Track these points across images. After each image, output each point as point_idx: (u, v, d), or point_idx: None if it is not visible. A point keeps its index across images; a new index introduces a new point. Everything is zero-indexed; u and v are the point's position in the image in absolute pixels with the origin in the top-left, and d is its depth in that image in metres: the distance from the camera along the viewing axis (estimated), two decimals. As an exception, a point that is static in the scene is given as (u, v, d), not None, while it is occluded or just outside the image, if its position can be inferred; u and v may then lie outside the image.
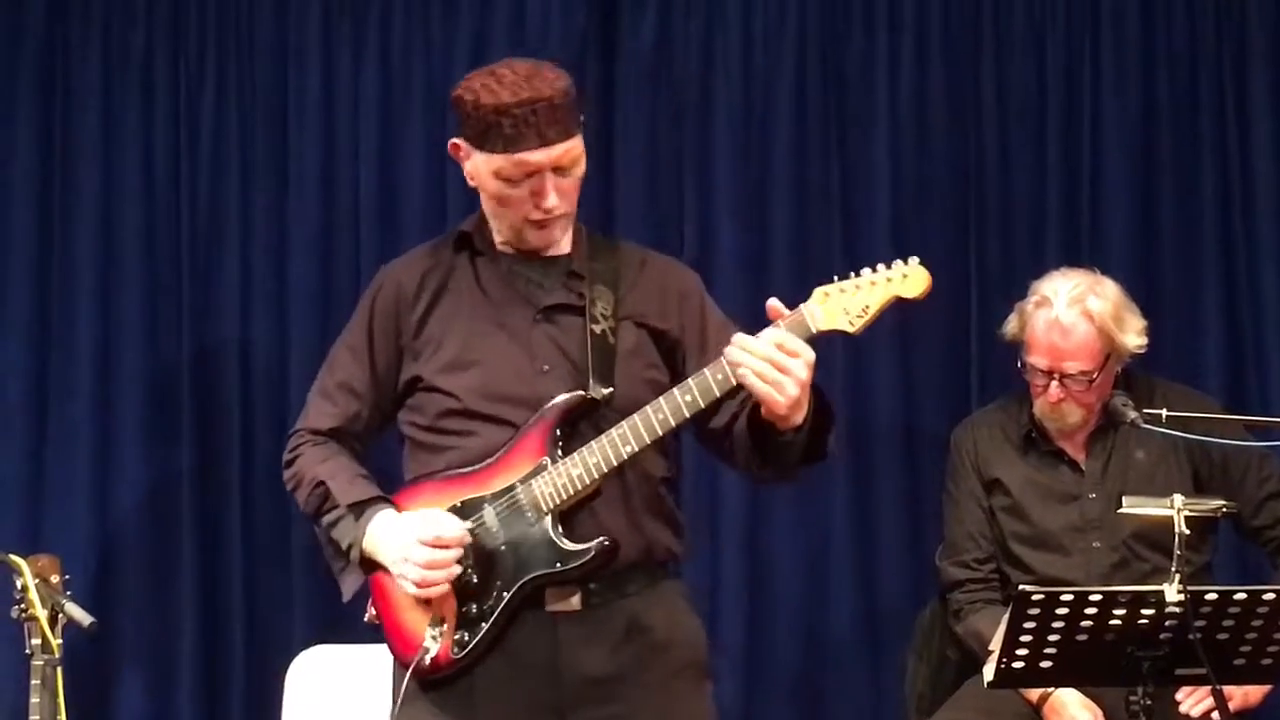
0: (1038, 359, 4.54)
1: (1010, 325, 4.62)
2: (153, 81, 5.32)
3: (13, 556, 4.18)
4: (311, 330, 5.26)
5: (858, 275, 3.47)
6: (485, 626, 3.50)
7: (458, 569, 3.48)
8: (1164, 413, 4.21)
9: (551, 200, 3.53)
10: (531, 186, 3.52)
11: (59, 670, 4.11)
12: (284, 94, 5.33)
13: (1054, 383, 4.53)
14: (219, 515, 5.23)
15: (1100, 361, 4.51)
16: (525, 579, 3.49)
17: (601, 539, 3.49)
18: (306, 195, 5.31)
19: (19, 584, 4.14)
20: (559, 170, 3.52)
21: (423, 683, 3.52)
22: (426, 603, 3.51)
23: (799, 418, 3.42)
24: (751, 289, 5.08)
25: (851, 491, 5.23)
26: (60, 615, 4.12)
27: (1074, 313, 4.50)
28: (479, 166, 3.56)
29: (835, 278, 3.47)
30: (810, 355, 3.38)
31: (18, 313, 5.25)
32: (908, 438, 5.26)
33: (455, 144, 3.60)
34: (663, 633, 3.59)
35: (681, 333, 3.65)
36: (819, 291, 3.46)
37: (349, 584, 3.62)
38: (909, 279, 3.46)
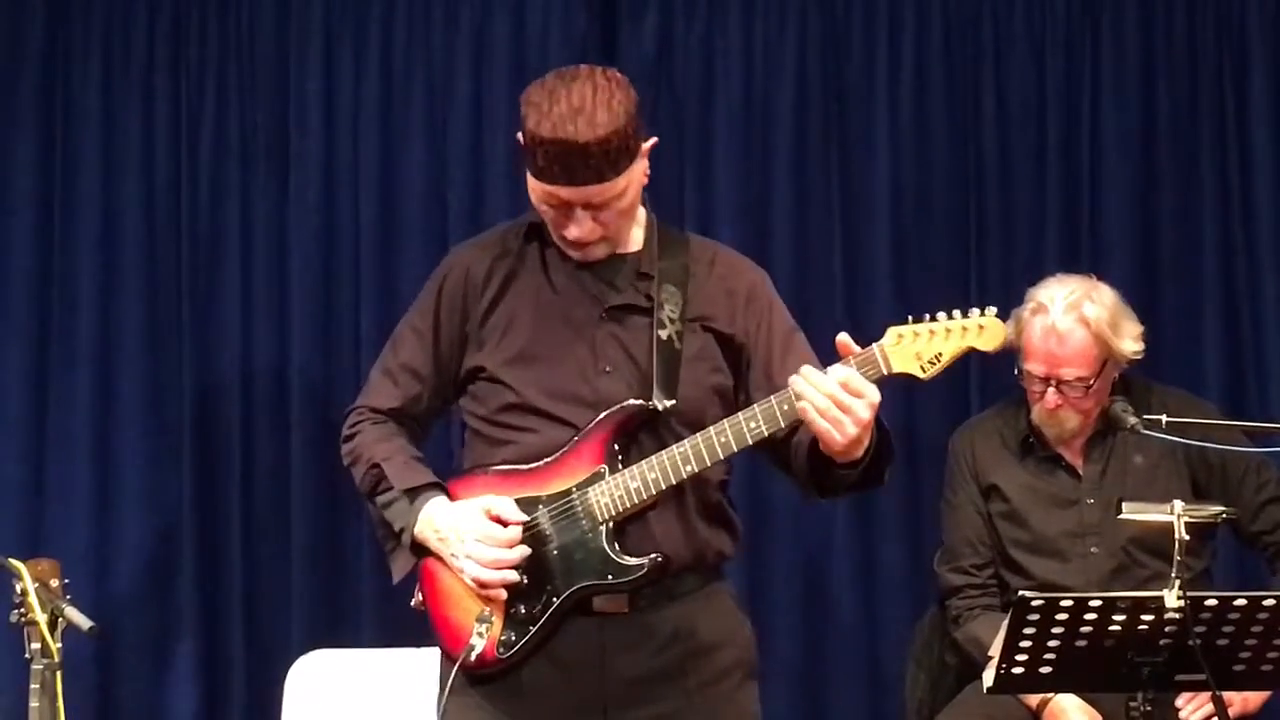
0: (1034, 365, 4.54)
1: (1009, 332, 4.62)
2: (153, 89, 5.32)
3: (12, 560, 4.17)
4: (311, 336, 5.28)
5: (933, 319, 3.41)
6: (532, 630, 3.49)
7: (514, 575, 3.47)
8: (1164, 418, 4.21)
9: (573, 232, 3.49)
10: (562, 214, 3.49)
11: (58, 674, 4.10)
12: (285, 101, 5.34)
13: (1051, 389, 4.52)
14: (219, 519, 5.23)
15: (1097, 368, 4.51)
16: (576, 587, 3.48)
17: (654, 555, 3.47)
18: (307, 202, 5.32)
19: (18, 588, 4.12)
20: (590, 207, 3.47)
21: (470, 676, 3.49)
22: (476, 596, 3.49)
23: (857, 453, 3.40)
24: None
25: (851, 499, 5.22)
26: (60, 619, 4.11)
27: (1070, 319, 4.49)
28: (529, 174, 3.52)
29: (910, 318, 3.41)
30: (875, 397, 3.34)
31: (18, 317, 5.26)
32: (908, 444, 5.25)
33: (520, 137, 3.53)
34: (709, 634, 3.57)
35: (747, 337, 3.60)
36: (892, 332, 3.41)
37: (399, 566, 3.59)
38: (985, 331, 3.41)
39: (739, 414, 3.45)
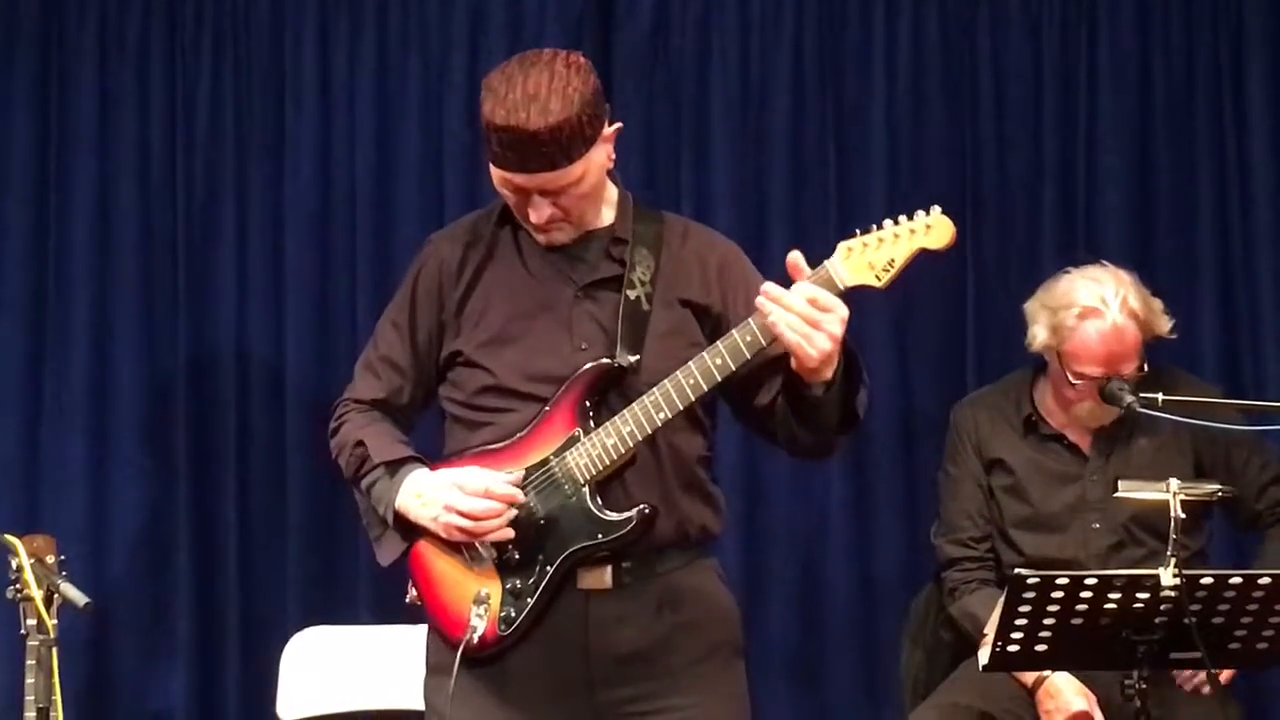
0: (1092, 368, 4.49)
1: (1039, 338, 4.55)
2: (148, 67, 5.32)
3: (8, 536, 4.17)
4: (307, 314, 5.28)
5: (880, 228, 3.41)
6: (530, 602, 3.48)
7: (513, 512, 3.47)
8: (1159, 396, 4.21)
9: (532, 217, 3.50)
10: (520, 198, 3.50)
11: (54, 650, 4.10)
12: (280, 78, 5.33)
13: (1097, 383, 4.51)
14: (214, 496, 5.24)
15: (1142, 353, 4.51)
16: (568, 551, 3.48)
17: (640, 507, 3.46)
18: (302, 179, 5.31)
19: (14, 564, 4.13)
20: (546, 193, 3.48)
21: (464, 661, 3.48)
22: (471, 568, 3.50)
23: (828, 373, 3.40)
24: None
25: (847, 476, 5.24)
26: (56, 595, 4.11)
27: (1124, 316, 4.48)
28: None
29: (857, 231, 3.42)
30: (844, 311, 3.35)
31: (14, 295, 5.26)
32: (904, 423, 5.26)
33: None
34: (694, 611, 3.57)
35: (724, 305, 3.60)
36: (842, 247, 3.42)
37: (386, 550, 3.60)
38: (933, 230, 3.40)
39: (703, 354, 3.44)
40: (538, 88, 3.41)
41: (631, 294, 3.54)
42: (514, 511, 3.48)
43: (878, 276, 3.41)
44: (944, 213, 3.40)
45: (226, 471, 5.23)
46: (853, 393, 3.48)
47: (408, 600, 3.61)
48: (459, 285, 3.61)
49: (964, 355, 5.27)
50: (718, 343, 3.44)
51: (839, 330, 3.34)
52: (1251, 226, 5.28)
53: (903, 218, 3.41)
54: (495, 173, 3.48)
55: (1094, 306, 4.50)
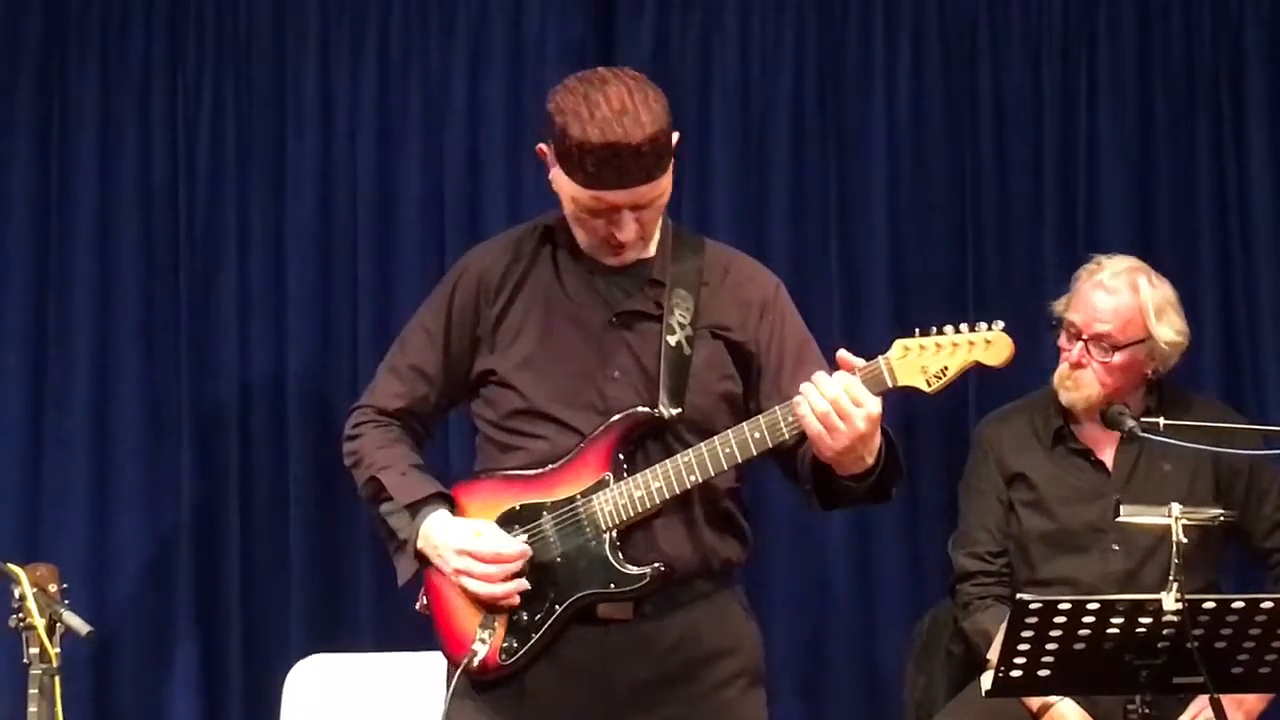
0: (1074, 314, 4.57)
1: (1060, 302, 4.65)
2: (150, 92, 5.32)
3: (10, 565, 4.17)
4: (309, 339, 5.27)
5: (940, 332, 3.40)
6: (535, 637, 3.48)
7: (524, 584, 3.47)
8: (1161, 421, 4.22)
9: (627, 234, 3.46)
10: (609, 219, 3.46)
11: (57, 679, 4.10)
12: (281, 105, 5.33)
13: (1079, 344, 4.54)
14: (217, 523, 5.23)
15: (1130, 337, 4.53)
16: (578, 595, 3.47)
17: (657, 565, 3.46)
18: (304, 206, 5.31)
19: (17, 593, 4.12)
20: (637, 208, 3.45)
21: (473, 681, 3.49)
22: (480, 604, 3.50)
23: (859, 468, 3.38)
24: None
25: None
26: (58, 624, 4.11)
27: (1121, 281, 4.55)
28: (560, 183, 3.48)
29: (917, 331, 3.40)
30: (875, 409, 3.32)
31: (15, 321, 5.25)
32: (907, 445, 5.20)
33: (542, 150, 3.51)
34: (714, 642, 3.55)
35: (758, 347, 3.58)
36: (899, 345, 3.40)
37: (403, 569, 3.58)
38: (992, 346, 3.40)
39: (744, 424, 3.43)
40: (623, 102, 3.38)
41: (672, 340, 3.51)
42: (524, 583, 3.46)
43: (928, 382, 3.40)
44: (1005, 330, 3.39)
45: (229, 499, 5.23)
46: (886, 478, 3.45)
47: (417, 607, 3.60)
48: (497, 301, 3.59)
49: (965, 380, 5.26)
50: (759, 417, 3.43)
51: (864, 427, 3.32)
52: (1252, 245, 5.29)
53: (964, 327, 3.40)
54: (583, 195, 3.43)
55: (1102, 263, 4.59)
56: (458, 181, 5.30)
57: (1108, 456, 4.63)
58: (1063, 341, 4.60)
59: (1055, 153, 5.32)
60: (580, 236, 3.54)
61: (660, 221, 3.58)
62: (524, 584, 3.47)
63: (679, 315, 3.53)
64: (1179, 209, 5.30)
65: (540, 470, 3.52)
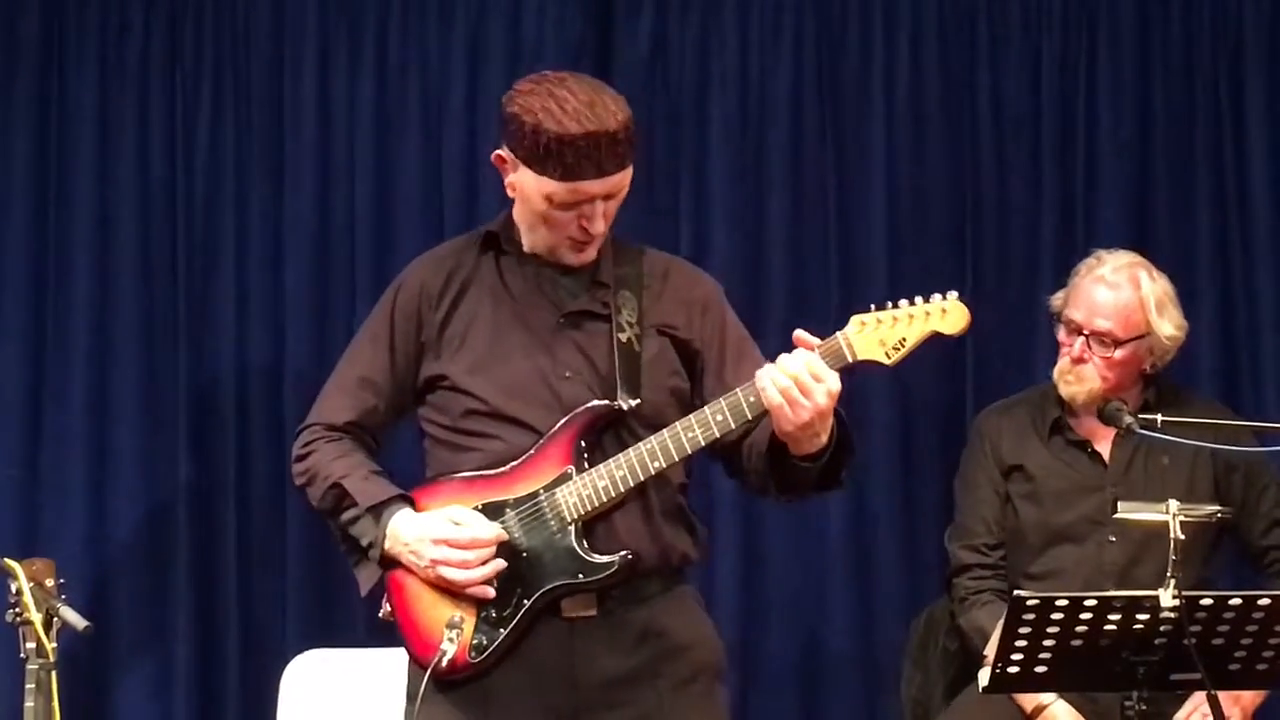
0: (1073, 311, 4.57)
1: (1058, 297, 4.65)
2: (148, 91, 5.32)
3: (7, 560, 4.16)
4: (307, 338, 5.27)
5: (895, 306, 3.44)
6: (504, 633, 3.50)
7: (502, 564, 3.49)
8: (1159, 418, 4.22)
9: (599, 226, 3.52)
10: (580, 212, 3.51)
11: (54, 674, 4.09)
12: (279, 104, 5.33)
13: (1080, 340, 4.54)
14: (214, 519, 5.23)
15: (1130, 333, 4.53)
16: (546, 588, 3.49)
17: (624, 553, 3.49)
18: (302, 205, 5.31)
19: (14, 588, 4.12)
20: (609, 198, 3.52)
21: (439, 683, 3.50)
22: (447, 596, 3.50)
23: (814, 447, 3.43)
24: (747, 295, 5.09)
25: (846, 496, 5.22)
26: (55, 619, 4.10)
27: (1122, 277, 4.56)
28: (527, 184, 3.53)
29: (873, 306, 3.44)
30: (835, 385, 3.37)
31: (13, 317, 5.25)
32: (903, 442, 5.26)
33: (501, 156, 3.57)
34: (678, 636, 3.59)
35: (702, 344, 3.64)
36: (855, 320, 3.45)
37: (365, 578, 3.61)
38: (949, 315, 3.45)
39: (705, 408, 3.48)
40: (588, 95, 3.47)
41: (623, 336, 3.57)
42: (501, 563, 3.48)
43: (887, 354, 3.44)
44: (960, 299, 3.44)
45: (226, 494, 5.23)
46: (840, 464, 3.50)
47: (380, 615, 3.62)
48: (440, 307, 3.63)
49: (964, 378, 5.27)
50: (720, 400, 3.47)
51: (824, 402, 3.36)
52: (1251, 247, 5.30)
53: (919, 299, 3.45)
54: (560, 190, 3.48)
55: (1102, 258, 4.60)
56: (456, 179, 5.31)
57: (1105, 448, 4.63)
58: (1062, 336, 4.61)
59: (1053, 150, 5.32)
60: (542, 238, 3.58)
61: None
62: (501, 564, 3.49)
63: (626, 314, 3.59)
64: (1177, 207, 5.31)
65: (500, 469, 3.55)
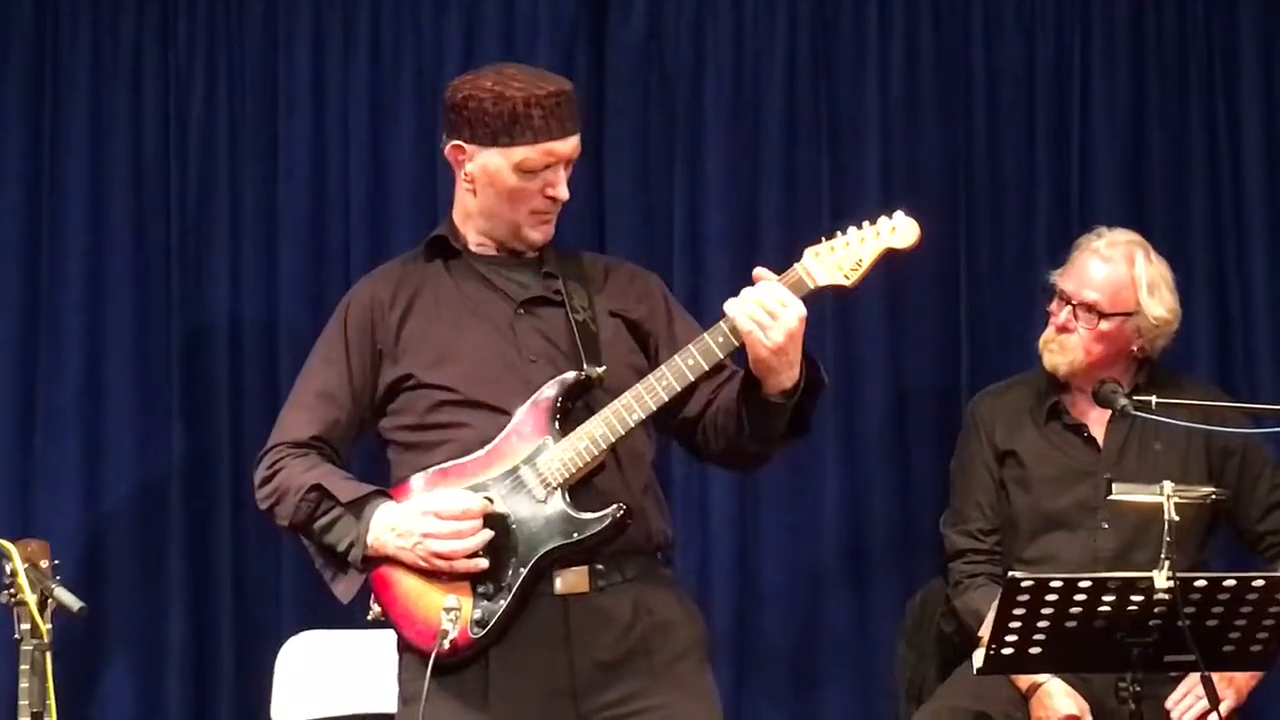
0: (1065, 281, 4.60)
1: (1057, 271, 4.68)
2: (141, 71, 5.30)
3: (2, 541, 4.16)
4: (301, 319, 5.26)
5: (844, 234, 3.54)
6: (503, 604, 3.51)
7: (489, 533, 3.50)
8: (1153, 400, 4.22)
9: (563, 190, 3.62)
10: (547, 178, 3.60)
11: (48, 655, 4.09)
12: (274, 84, 5.32)
13: (1067, 309, 4.55)
14: (208, 500, 5.23)
15: (1117, 308, 4.54)
16: (543, 551, 3.51)
17: (616, 505, 3.51)
18: (296, 185, 5.30)
19: (8, 569, 4.11)
20: (569, 163, 3.63)
21: (440, 673, 3.50)
22: (439, 578, 3.51)
23: (789, 380, 3.48)
24: (741, 276, 5.06)
25: (841, 476, 5.23)
26: (49, 600, 4.10)
27: (1118, 252, 4.58)
28: (491, 164, 3.61)
29: (823, 238, 3.54)
30: (802, 309, 3.44)
31: (6, 298, 5.24)
32: (898, 425, 5.26)
33: (458, 147, 3.64)
34: (666, 614, 3.63)
35: (653, 325, 3.72)
36: (809, 251, 3.54)
37: (345, 588, 3.63)
38: (899, 231, 3.54)
39: (675, 356, 3.53)
40: (531, 69, 3.64)
41: (578, 317, 3.63)
42: (489, 533, 3.49)
43: (846, 276, 3.53)
44: (908, 214, 3.53)
45: (219, 476, 5.22)
46: (809, 405, 3.55)
47: (369, 618, 3.62)
48: (392, 313, 3.68)
49: (958, 356, 5.27)
50: (689, 345, 3.52)
51: (794, 324, 3.43)
52: (1245, 228, 5.30)
53: (866, 222, 3.55)
54: (533, 154, 3.59)
55: (1101, 232, 4.65)
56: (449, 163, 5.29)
57: (1099, 433, 4.63)
58: (1052, 306, 4.62)
59: (1048, 133, 5.32)
60: (505, 221, 3.66)
61: None
62: (490, 533, 3.50)
63: (578, 300, 3.66)
64: (1172, 189, 5.31)
65: (474, 455, 3.57)
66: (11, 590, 4.13)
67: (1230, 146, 5.30)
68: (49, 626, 4.10)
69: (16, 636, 4.12)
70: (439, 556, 3.50)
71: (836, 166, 5.33)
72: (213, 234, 5.30)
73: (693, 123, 5.33)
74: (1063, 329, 4.58)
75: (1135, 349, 4.61)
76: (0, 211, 5.27)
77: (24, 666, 4.08)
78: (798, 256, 5.15)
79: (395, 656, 3.77)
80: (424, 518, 3.51)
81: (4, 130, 5.28)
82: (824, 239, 3.55)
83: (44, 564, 4.16)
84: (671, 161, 5.34)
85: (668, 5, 5.35)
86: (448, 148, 3.67)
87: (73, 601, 4.11)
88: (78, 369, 5.23)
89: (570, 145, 3.61)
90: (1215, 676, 4.03)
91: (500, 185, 3.62)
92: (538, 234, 3.67)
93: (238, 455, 5.23)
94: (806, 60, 5.33)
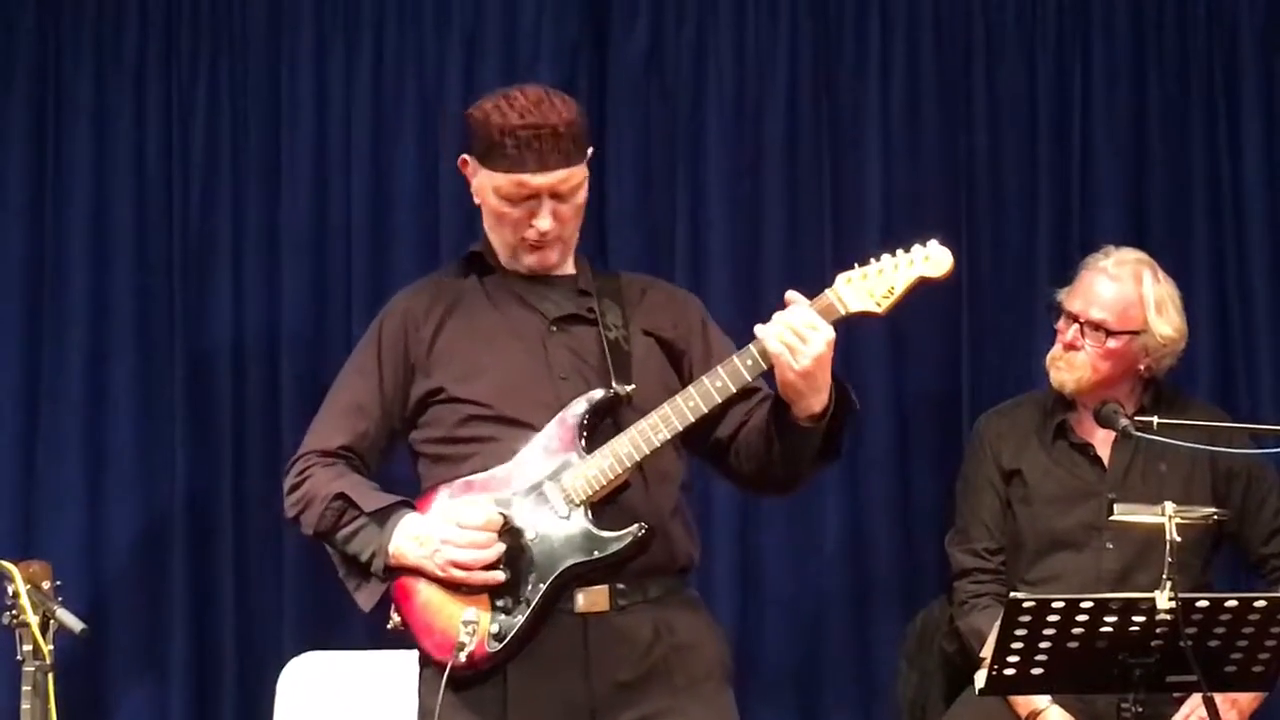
0: (1073, 300, 4.60)
1: (1064, 290, 4.67)
2: (145, 87, 5.31)
3: (3, 562, 4.16)
4: (304, 338, 5.27)
5: (878, 260, 3.52)
6: (521, 619, 3.50)
7: (502, 546, 3.50)
8: (1155, 420, 4.22)
9: (544, 223, 3.60)
10: (528, 208, 3.60)
11: (50, 677, 4.09)
12: (276, 102, 5.33)
13: (1075, 326, 4.56)
14: (211, 522, 5.23)
15: (1124, 327, 4.54)
16: (562, 568, 3.51)
17: (637, 524, 3.51)
18: (298, 202, 5.31)
19: (10, 590, 4.11)
20: (557, 196, 3.60)
21: (458, 687, 3.50)
22: (459, 590, 3.51)
23: (818, 404, 3.47)
24: (744, 293, 5.11)
25: (843, 494, 5.23)
26: (52, 621, 4.10)
27: (1125, 271, 4.59)
28: (483, 183, 3.64)
29: (856, 264, 3.52)
30: (831, 334, 3.44)
31: (9, 317, 5.25)
32: (900, 440, 5.26)
33: (464, 159, 3.69)
34: (688, 635, 3.62)
35: (687, 345, 3.71)
36: (841, 277, 3.53)
37: (366, 596, 3.64)
38: (932, 260, 3.52)
39: (702, 377, 3.53)
40: (538, 95, 3.60)
41: (610, 335, 3.63)
42: (501, 546, 3.50)
43: (878, 303, 3.51)
44: (942, 243, 3.51)
45: (223, 496, 5.22)
46: (839, 428, 3.55)
47: (390, 627, 3.62)
48: (425, 327, 3.69)
49: (959, 372, 5.27)
50: (718, 367, 3.52)
51: (823, 349, 3.42)
52: (1246, 243, 5.30)
53: (900, 251, 3.52)
54: (505, 183, 3.59)
55: (1109, 252, 4.64)
56: (451, 177, 5.26)
57: (1105, 453, 4.63)
58: (1060, 324, 4.63)
59: (1049, 147, 5.32)
60: (499, 241, 3.68)
61: (576, 252, 3.74)
62: (503, 546, 3.50)
63: (611, 318, 3.66)
64: (1173, 203, 5.31)
65: (499, 469, 3.57)
66: (14, 612, 4.12)
67: (1231, 165, 5.30)
68: (51, 648, 4.10)
69: (19, 658, 4.12)
70: (457, 566, 3.51)
71: (838, 183, 5.33)
72: (215, 252, 5.30)
73: (694, 140, 5.34)
74: (1070, 346, 4.58)
75: (1142, 368, 4.61)
76: (2, 229, 5.27)
77: (26, 688, 4.08)
78: (801, 273, 5.23)
79: (398, 678, 3.77)
80: (445, 526, 3.52)
81: (7, 147, 5.29)
82: (856, 264, 3.53)
83: (46, 585, 4.16)
84: (673, 178, 5.34)
85: (669, 23, 5.35)
86: (460, 159, 3.71)
87: (75, 623, 4.11)
88: (80, 389, 5.23)
89: (548, 180, 3.58)
90: (1218, 697, 4.02)
91: (489, 205, 3.66)
92: (530, 259, 3.67)
93: (240, 475, 5.24)
94: (808, 77, 5.34)
